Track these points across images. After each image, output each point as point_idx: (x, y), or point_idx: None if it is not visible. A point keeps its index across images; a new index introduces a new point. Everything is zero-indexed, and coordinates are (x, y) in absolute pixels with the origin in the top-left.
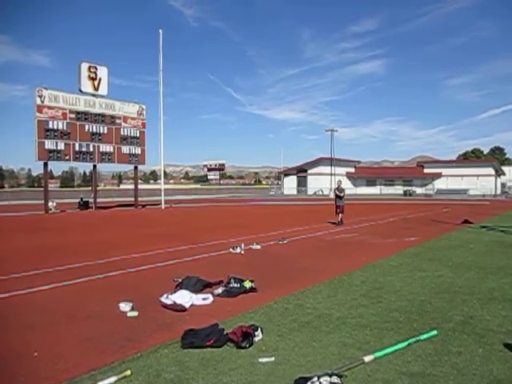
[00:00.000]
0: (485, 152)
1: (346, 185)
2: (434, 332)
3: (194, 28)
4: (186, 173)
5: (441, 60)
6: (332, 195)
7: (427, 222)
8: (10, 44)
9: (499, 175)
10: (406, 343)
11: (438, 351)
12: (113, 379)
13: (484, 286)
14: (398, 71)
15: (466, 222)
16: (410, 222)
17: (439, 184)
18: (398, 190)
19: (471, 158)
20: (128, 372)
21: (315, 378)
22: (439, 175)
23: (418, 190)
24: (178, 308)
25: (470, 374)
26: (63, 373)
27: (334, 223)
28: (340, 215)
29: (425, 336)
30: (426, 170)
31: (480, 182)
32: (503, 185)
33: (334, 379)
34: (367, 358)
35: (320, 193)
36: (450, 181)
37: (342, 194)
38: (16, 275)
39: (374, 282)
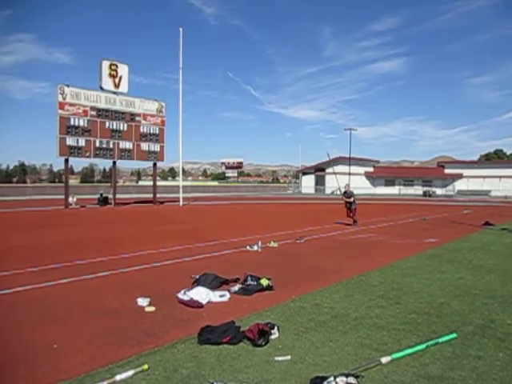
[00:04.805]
0: (508, 153)
1: (365, 184)
2: (454, 335)
3: (214, 26)
4: (205, 170)
5: (463, 59)
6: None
7: (447, 224)
8: (33, 42)
9: None
10: (424, 345)
11: (457, 354)
12: (130, 373)
13: (505, 290)
14: (419, 70)
15: (486, 223)
16: (429, 222)
17: (460, 185)
18: (418, 190)
19: (493, 158)
20: (145, 366)
21: (331, 378)
22: (460, 176)
23: (438, 191)
24: (194, 304)
25: (490, 378)
26: (81, 365)
27: (350, 225)
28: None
29: (444, 339)
30: (446, 171)
31: (502, 184)
32: None
33: (351, 379)
34: (384, 359)
35: (338, 192)
36: (471, 182)
37: (351, 200)
38: (35, 269)
39: (392, 282)
